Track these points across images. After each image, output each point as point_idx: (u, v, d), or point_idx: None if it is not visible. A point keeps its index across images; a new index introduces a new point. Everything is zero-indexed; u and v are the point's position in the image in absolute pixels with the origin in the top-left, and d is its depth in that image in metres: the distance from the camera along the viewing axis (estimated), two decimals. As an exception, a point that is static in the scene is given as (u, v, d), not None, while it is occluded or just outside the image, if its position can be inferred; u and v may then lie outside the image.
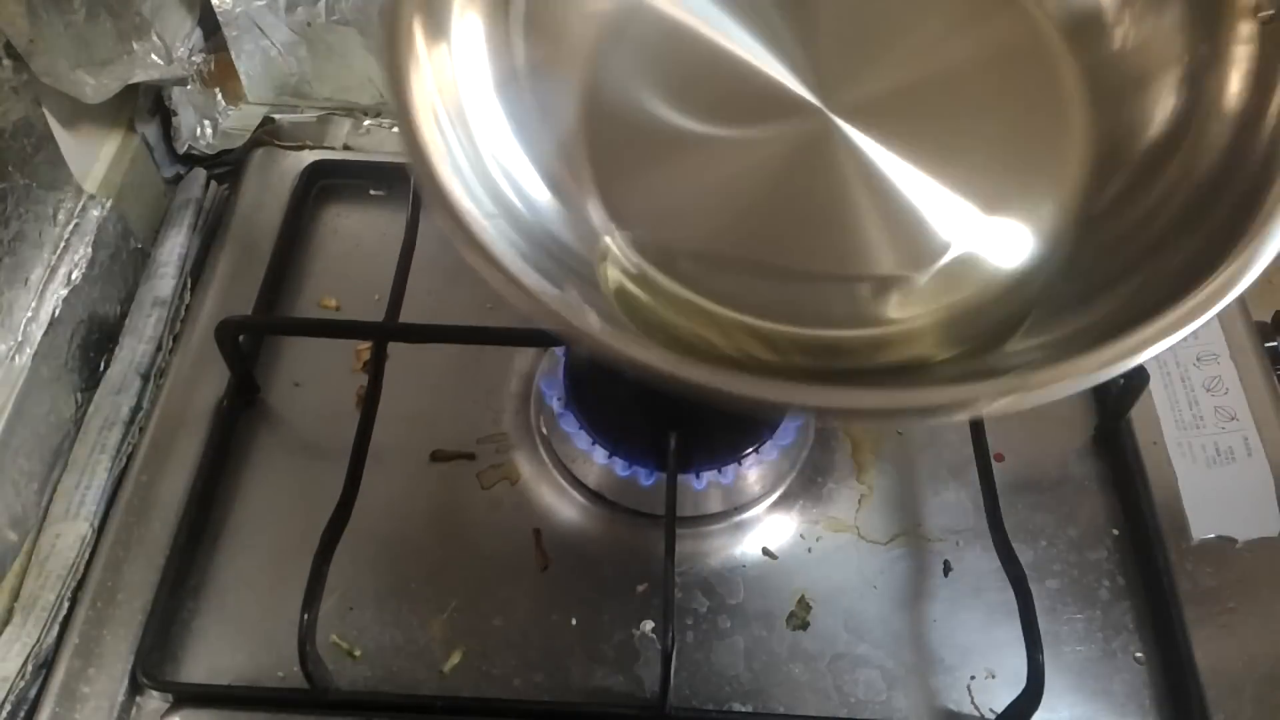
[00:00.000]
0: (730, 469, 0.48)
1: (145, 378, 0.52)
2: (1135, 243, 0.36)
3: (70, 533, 0.47)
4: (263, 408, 0.52)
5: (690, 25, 0.42)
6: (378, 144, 0.64)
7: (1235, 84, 0.38)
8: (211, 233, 0.59)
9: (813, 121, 0.38)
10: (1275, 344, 0.55)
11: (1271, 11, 0.37)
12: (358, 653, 0.45)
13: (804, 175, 0.38)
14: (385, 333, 0.49)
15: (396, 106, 0.33)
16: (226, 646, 0.45)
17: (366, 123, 0.65)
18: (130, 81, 0.55)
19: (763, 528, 0.49)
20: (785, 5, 0.42)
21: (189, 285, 0.57)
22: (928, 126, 0.39)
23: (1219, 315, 0.56)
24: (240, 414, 0.52)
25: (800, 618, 0.46)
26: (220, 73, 0.65)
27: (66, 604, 0.45)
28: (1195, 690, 0.43)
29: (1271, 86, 0.37)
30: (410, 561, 0.47)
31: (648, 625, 0.45)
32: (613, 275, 0.36)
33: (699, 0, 0.43)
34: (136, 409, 0.51)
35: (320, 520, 0.42)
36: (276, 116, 0.64)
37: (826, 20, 0.42)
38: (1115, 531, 0.49)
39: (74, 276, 0.51)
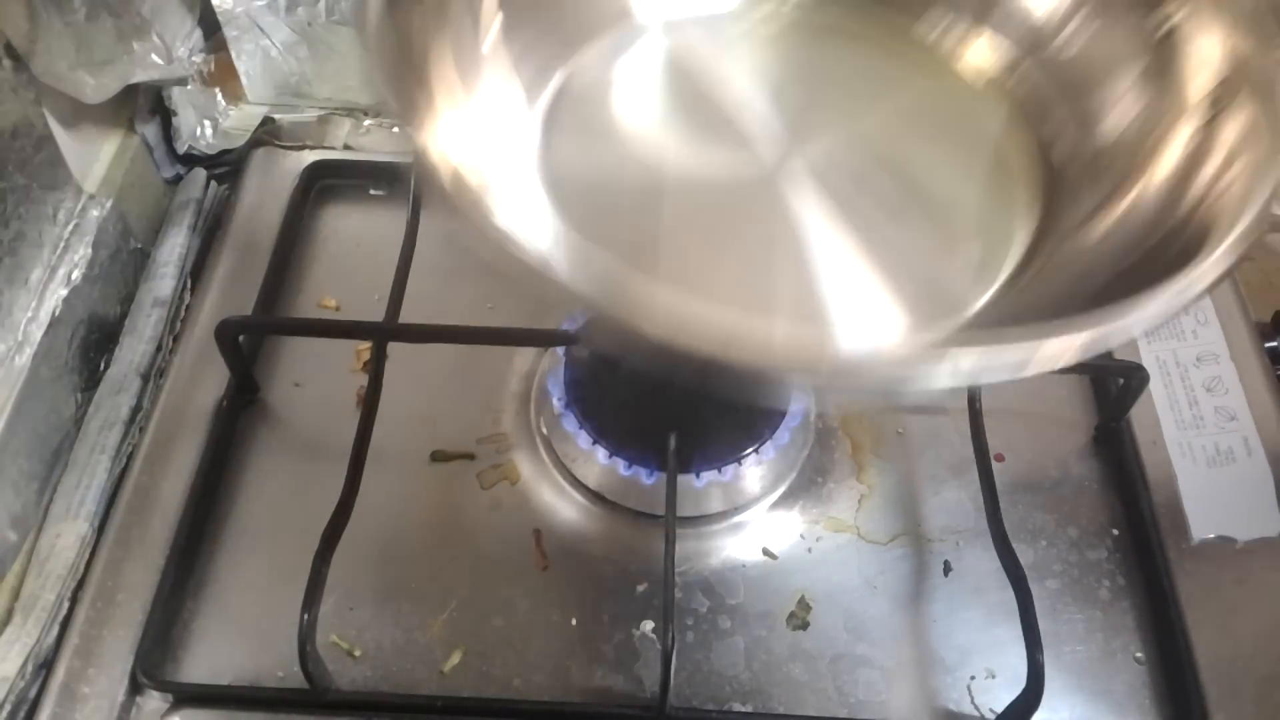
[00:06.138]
0: (730, 469, 0.48)
1: (145, 378, 0.52)
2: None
3: (70, 533, 0.47)
4: (263, 408, 0.52)
5: (684, 52, 0.45)
6: (378, 144, 0.64)
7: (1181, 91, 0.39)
8: (211, 233, 0.59)
9: (775, 161, 0.41)
10: (1275, 344, 0.55)
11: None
12: (358, 653, 0.45)
13: (746, 210, 0.40)
14: (385, 333, 0.49)
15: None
16: (226, 646, 0.45)
17: (366, 123, 0.65)
18: (130, 81, 0.55)
19: (763, 528, 0.49)
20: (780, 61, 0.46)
21: (189, 285, 0.57)
22: (872, 200, 0.41)
23: (1220, 316, 0.56)
24: (240, 414, 0.52)
25: (800, 618, 0.46)
26: (220, 73, 0.64)
27: (66, 604, 0.45)
28: (1195, 690, 0.43)
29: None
30: (410, 561, 0.47)
31: (648, 625, 0.45)
32: None
33: (695, 32, 0.46)
34: (136, 409, 0.51)
35: (320, 520, 0.42)
36: (276, 116, 0.64)
37: (802, 78, 0.45)
38: (1115, 531, 0.49)
39: (74, 276, 0.51)
